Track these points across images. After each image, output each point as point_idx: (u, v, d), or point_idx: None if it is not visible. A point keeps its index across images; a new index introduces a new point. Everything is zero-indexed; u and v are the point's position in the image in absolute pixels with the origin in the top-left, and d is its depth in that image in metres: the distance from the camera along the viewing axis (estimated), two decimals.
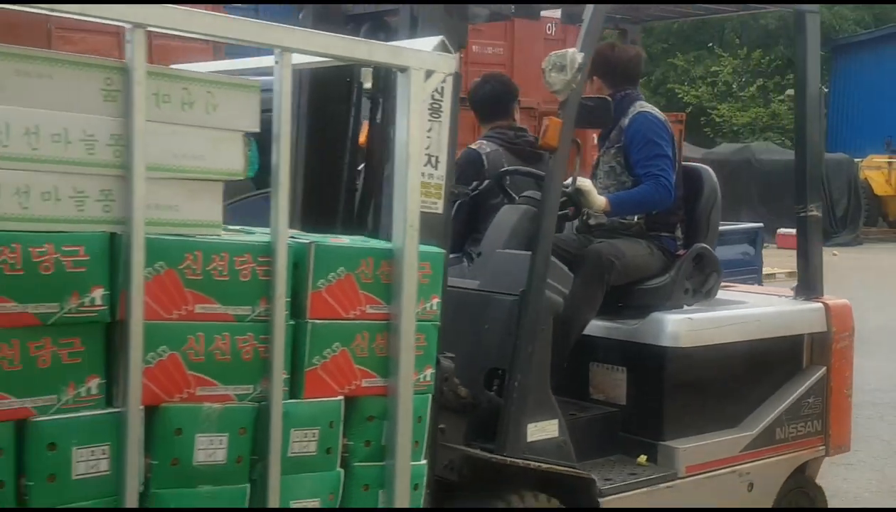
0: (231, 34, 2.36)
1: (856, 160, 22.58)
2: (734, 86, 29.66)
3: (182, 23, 2.27)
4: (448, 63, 2.72)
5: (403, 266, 2.70)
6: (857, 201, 21.44)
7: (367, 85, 4.00)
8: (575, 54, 3.48)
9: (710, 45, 31.08)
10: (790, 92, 30.43)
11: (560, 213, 3.86)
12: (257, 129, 2.48)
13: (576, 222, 4.43)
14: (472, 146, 4.60)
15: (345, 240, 2.80)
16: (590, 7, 3.63)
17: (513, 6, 3.98)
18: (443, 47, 2.72)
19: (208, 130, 2.39)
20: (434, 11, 3.32)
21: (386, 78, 3.96)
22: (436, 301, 2.85)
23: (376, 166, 4.16)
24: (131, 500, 2.27)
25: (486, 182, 4.43)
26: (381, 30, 3.82)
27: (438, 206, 3.47)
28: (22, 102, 2.10)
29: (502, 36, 13.95)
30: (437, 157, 3.44)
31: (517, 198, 4.23)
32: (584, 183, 4.02)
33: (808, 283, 4.61)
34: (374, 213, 4.13)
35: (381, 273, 2.71)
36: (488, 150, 4.52)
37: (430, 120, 3.44)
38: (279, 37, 2.41)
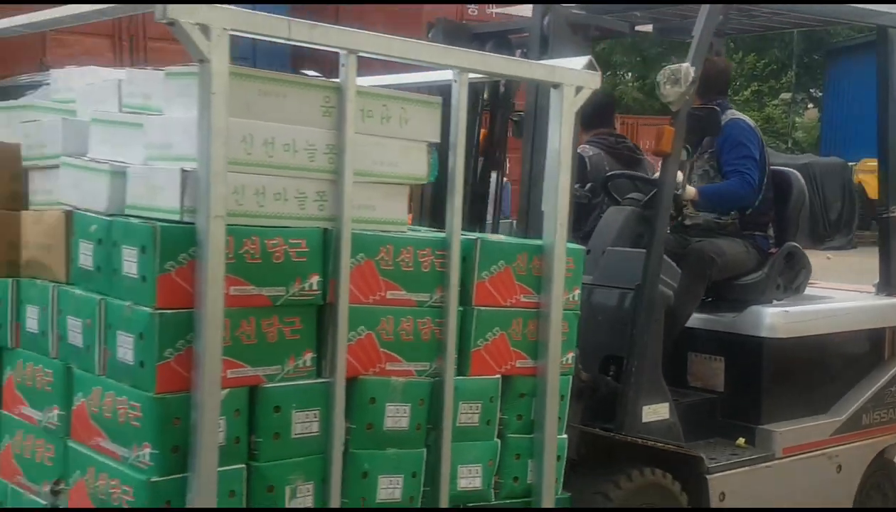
0: (421, 56, 2.73)
1: (850, 164, 22.47)
2: (728, 89, 29.52)
3: (383, 48, 2.65)
4: (595, 80, 3.07)
5: (554, 260, 3.06)
6: (852, 205, 21.25)
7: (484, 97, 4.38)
8: (688, 68, 3.81)
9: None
10: (784, 96, 30.36)
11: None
12: (438, 140, 2.85)
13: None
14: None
15: (502, 237, 3.15)
16: (700, 24, 3.95)
17: (628, 25, 4.31)
18: (590, 66, 3.06)
19: (401, 141, 2.77)
20: (563, 32, 3.67)
21: (506, 92, 4.35)
22: (577, 292, 3.20)
23: (491, 170, 4.55)
24: (337, 458, 2.64)
25: (589, 185, 4.76)
26: (503, 48, 4.17)
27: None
28: (262, 117, 2.49)
29: None
30: None
31: (621, 200, 4.57)
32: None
33: (889, 279, 4.90)
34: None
35: (533, 266, 3.07)
36: (591, 153, 4.85)
37: None
38: (459, 58, 2.79)
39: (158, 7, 2.21)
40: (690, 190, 4.39)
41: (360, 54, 2.58)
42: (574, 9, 3.77)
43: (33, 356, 2.82)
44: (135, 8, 2.32)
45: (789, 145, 28.07)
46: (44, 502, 2.74)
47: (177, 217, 2.40)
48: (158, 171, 2.45)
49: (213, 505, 2.38)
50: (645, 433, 3.86)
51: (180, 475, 2.39)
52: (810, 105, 31.54)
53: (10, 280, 2.91)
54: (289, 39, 2.42)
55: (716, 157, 4.70)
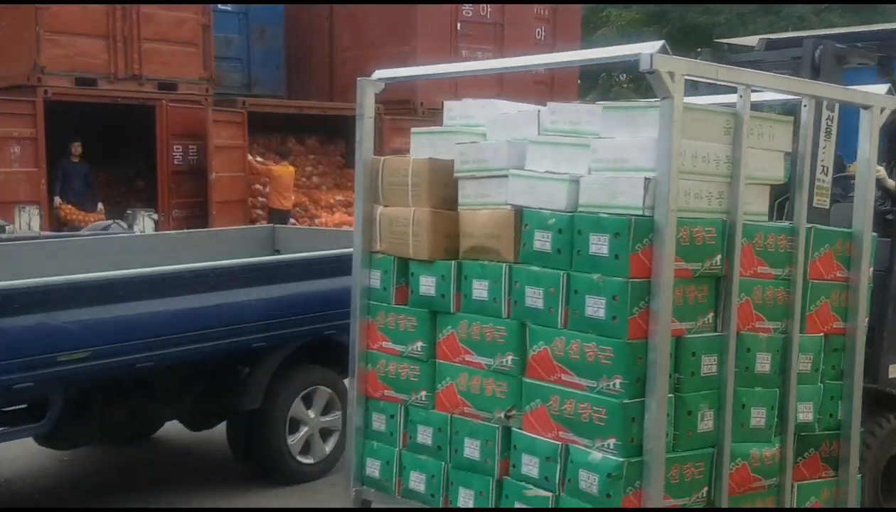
0: (791, 88, 3.62)
1: (846, 165, 22.54)
2: None
3: (766, 82, 3.52)
4: (894, 102, 3.91)
5: (863, 244, 3.90)
6: None
7: None
8: None
9: (699, 50, 31.11)
10: None
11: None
12: (790, 150, 3.70)
13: None
14: None
15: (822, 226, 3.99)
16: None
17: (876, 56, 5.12)
18: (890, 91, 3.90)
19: (769, 151, 3.63)
20: (830, 62, 4.52)
21: None
22: (872, 270, 4.04)
23: None
24: (729, 393, 3.49)
25: None
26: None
27: (826, 203, 4.65)
28: (692, 137, 3.35)
29: (492, 40, 14.44)
30: (827, 167, 4.63)
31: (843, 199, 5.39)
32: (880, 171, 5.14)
33: None
34: None
35: (846, 249, 3.92)
36: None
37: (824, 139, 4.63)
38: (812, 88, 3.66)
39: (645, 59, 3.09)
40: (890, 183, 5.20)
41: (754, 88, 3.45)
42: (837, 43, 4.61)
43: (478, 318, 3.71)
44: (627, 57, 3.20)
45: None
46: (495, 426, 3.63)
47: (639, 212, 3.26)
48: (620, 178, 3.32)
49: (665, 421, 3.25)
50: (891, 387, 4.69)
51: (640, 399, 3.26)
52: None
53: (451, 262, 3.81)
54: (715, 80, 3.30)
55: None
